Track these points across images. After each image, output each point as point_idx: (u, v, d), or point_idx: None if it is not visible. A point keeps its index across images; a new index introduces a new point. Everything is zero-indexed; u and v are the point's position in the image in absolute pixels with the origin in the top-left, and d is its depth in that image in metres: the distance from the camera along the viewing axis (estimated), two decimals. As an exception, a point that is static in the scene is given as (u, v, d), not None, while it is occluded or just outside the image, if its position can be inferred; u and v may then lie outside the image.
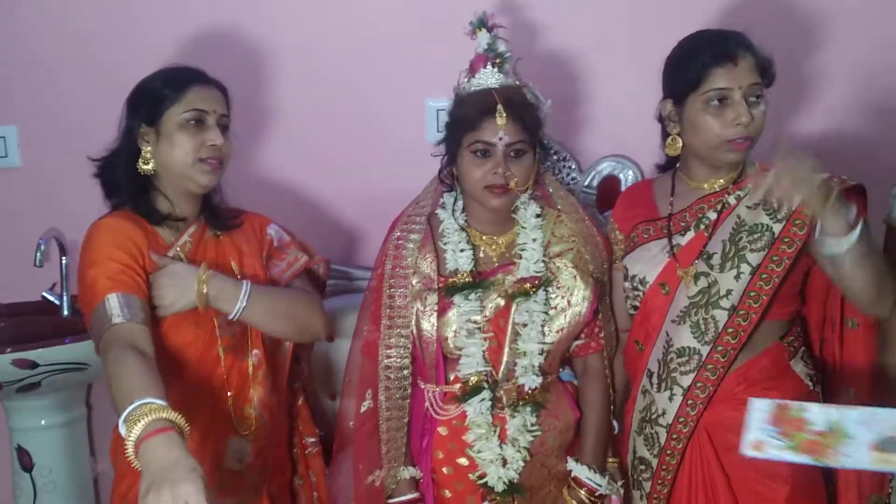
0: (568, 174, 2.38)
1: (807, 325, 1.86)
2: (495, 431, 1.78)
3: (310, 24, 2.40)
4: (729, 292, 1.71)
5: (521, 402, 1.78)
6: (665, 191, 1.88)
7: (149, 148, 1.76)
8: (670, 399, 1.76)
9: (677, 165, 1.87)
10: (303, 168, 2.45)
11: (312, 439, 2.02)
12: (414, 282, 1.82)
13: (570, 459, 1.85)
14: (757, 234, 1.71)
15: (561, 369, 1.91)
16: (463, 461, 1.82)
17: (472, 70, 1.85)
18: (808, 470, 1.67)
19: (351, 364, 1.94)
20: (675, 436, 1.76)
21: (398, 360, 1.82)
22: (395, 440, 1.84)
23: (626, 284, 1.88)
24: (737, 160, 1.74)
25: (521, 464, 1.78)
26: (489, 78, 1.82)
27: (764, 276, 1.69)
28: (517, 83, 1.84)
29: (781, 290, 1.71)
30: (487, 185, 1.76)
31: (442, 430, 1.83)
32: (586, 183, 2.37)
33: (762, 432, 1.46)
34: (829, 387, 1.82)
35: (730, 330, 1.71)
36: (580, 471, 1.83)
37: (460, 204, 1.88)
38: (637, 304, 1.85)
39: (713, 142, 1.71)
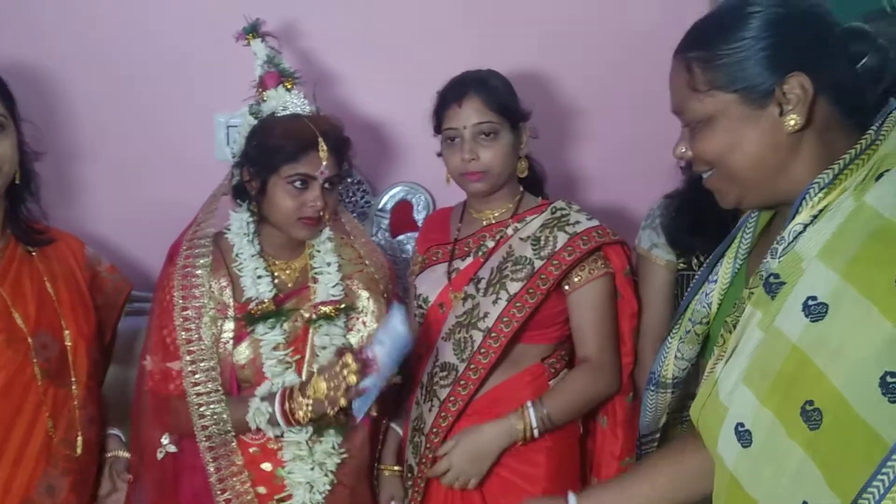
0: (362, 197, 2.40)
1: None
2: (310, 452, 1.76)
3: (93, 36, 2.27)
4: (486, 315, 1.82)
5: (329, 427, 1.77)
6: (457, 218, 2.00)
7: None
8: (430, 410, 1.86)
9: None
10: (88, 183, 2.32)
11: None
12: (209, 307, 1.76)
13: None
14: (520, 265, 1.83)
15: None
16: (261, 489, 1.77)
17: (264, 87, 1.83)
18: (564, 447, 1.85)
19: (136, 399, 1.84)
20: (428, 446, 1.85)
21: (213, 392, 1.71)
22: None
23: (415, 302, 1.97)
24: (474, 191, 1.88)
25: (328, 487, 1.77)
26: (289, 101, 1.81)
27: (518, 304, 1.80)
28: (320, 111, 1.85)
29: (537, 318, 1.83)
30: (301, 217, 1.75)
31: (237, 460, 1.76)
32: (380, 206, 2.41)
33: None
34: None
35: (482, 350, 1.81)
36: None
37: (253, 228, 1.83)
38: (421, 321, 1.95)
39: (452, 174, 1.89)
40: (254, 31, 1.86)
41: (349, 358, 1.66)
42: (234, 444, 1.73)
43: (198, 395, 1.71)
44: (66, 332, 1.75)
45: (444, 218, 2.05)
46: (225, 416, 1.71)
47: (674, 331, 1.40)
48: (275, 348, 1.76)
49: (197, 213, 1.88)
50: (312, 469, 1.76)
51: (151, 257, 2.25)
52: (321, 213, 1.76)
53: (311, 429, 1.74)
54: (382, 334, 1.69)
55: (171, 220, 1.92)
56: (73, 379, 1.74)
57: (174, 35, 2.30)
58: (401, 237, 2.42)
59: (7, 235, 1.75)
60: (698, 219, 1.79)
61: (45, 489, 1.67)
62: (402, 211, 2.42)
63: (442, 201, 2.33)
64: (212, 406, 1.71)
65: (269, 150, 1.75)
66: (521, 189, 1.95)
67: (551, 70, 2.37)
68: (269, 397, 1.72)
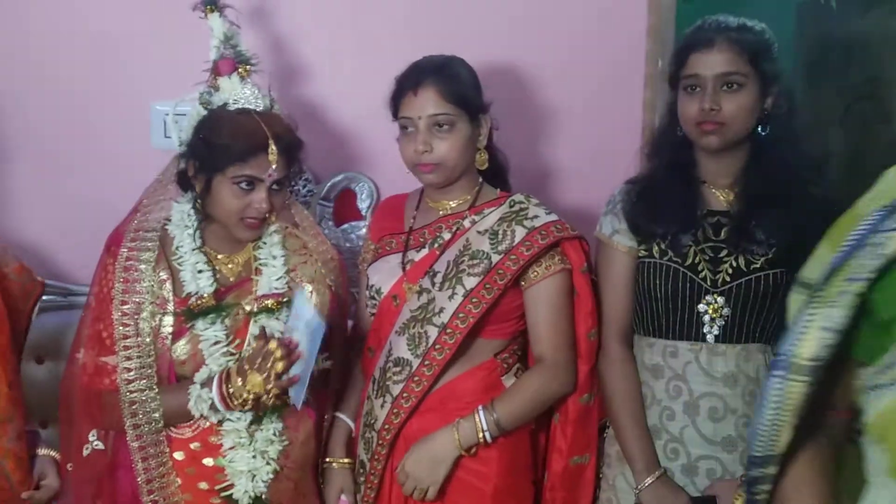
0: (304, 186, 2.37)
1: None
2: (251, 439, 1.72)
3: (22, 21, 2.20)
4: (442, 310, 1.79)
5: (269, 413, 1.73)
6: (413, 207, 1.96)
7: None
8: (382, 406, 1.83)
9: None
10: (18, 171, 2.25)
11: None
12: (148, 302, 1.71)
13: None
14: (477, 259, 1.80)
15: None
16: (203, 485, 1.73)
17: (217, 73, 1.76)
18: (515, 442, 1.83)
19: (64, 395, 1.78)
20: (380, 442, 1.83)
21: (146, 390, 1.68)
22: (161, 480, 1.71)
23: (366, 293, 1.93)
24: (427, 182, 1.86)
25: (270, 476, 1.74)
26: (241, 93, 1.74)
27: (474, 300, 1.77)
28: (272, 104, 1.79)
29: (494, 314, 1.80)
30: (244, 217, 1.71)
31: (178, 455, 1.72)
32: (323, 195, 2.38)
33: None
34: None
35: (437, 346, 1.78)
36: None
37: (195, 221, 1.78)
38: (374, 312, 1.91)
39: (406, 163, 1.85)
40: (213, 3, 1.78)
41: (273, 345, 1.64)
42: (164, 445, 1.70)
43: (131, 391, 1.67)
44: None
45: (398, 205, 2.00)
46: (157, 414, 1.68)
47: (820, 295, 1.11)
48: (215, 344, 1.72)
49: (137, 202, 1.82)
50: (254, 457, 1.72)
51: (86, 251, 2.19)
52: (266, 215, 1.72)
53: (250, 416, 1.71)
54: (294, 320, 1.67)
55: (105, 212, 1.86)
56: None
57: (105, 17, 2.23)
58: (344, 226, 2.39)
59: None
60: (661, 205, 1.80)
61: None
62: (346, 200, 2.39)
63: (386, 190, 2.32)
64: (145, 403, 1.67)
65: (216, 147, 1.68)
66: (481, 180, 1.90)
67: (519, 61, 2.35)
68: (208, 382, 1.68)
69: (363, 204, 2.39)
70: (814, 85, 3.07)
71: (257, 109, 1.73)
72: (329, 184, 2.38)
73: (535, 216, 1.82)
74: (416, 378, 1.80)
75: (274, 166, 1.68)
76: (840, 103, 2.89)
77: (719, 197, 1.83)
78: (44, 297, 2.08)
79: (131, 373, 1.67)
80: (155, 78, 2.23)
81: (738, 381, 1.77)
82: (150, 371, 1.68)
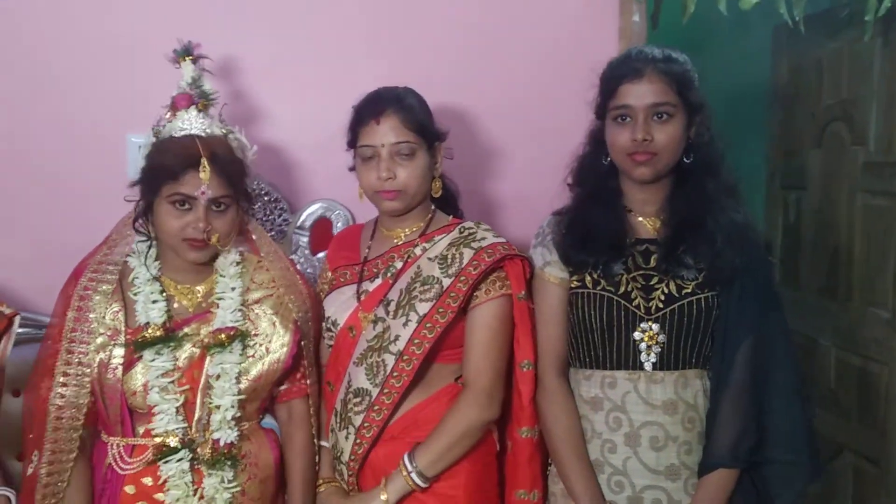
0: (280, 215, 2.39)
1: None
2: (195, 491, 1.73)
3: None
4: (398, 338, 1.80)
5: (218, 459, 1.74)
6: (368, 237, 1.98)
7: None
8: (346, 438, 1.84)
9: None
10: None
11: None
12: (99, 332, 1.73)
13: None
14: (428, 285, 1.81)
15: (261, 417, 1.91)
16: None
17: (174, 108, 1.81)
18: (480, 466, 1.85)
19: (25, 421, 1.80)
20: (350, 473, 1.84)
21: (69, 420, 1.71)
22: None
23: (324, 325, 1.95)
24: (388, 209, 1.88)
25: None
26: (193, 122, 1.78)
27: (428, 325, 1.79)
28: (223, 130, 1.82)
29: (449, 338, 1.81)
30: (186, 238, 1.73)
31: (130, 489, 1.74)
32: (298, 224, 2.39)
33: None
34: (506, 421, 1.92)
35: (395, 374, 1.79)
36: None
37: (154, 252, 1.81)
38: (331, 344, 1.92)
39: (367, 190, 1.89)
40: (186, 52, 1.84)
41: None
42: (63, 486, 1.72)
43: (57, 418, 1.69)
44: None
45: (355, 235, 2.03)
46: (72, 455, 1.70)
47: None
48: (163, 375, 1.72)
49: (107, 236, 1.85)
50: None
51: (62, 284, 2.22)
52: (206, 236, 1.72)
53: (188, 463, 1.73)
54: None
55: (84, 244, 1.89)
56: None
57: (81, 49, 2.28)
58: (321, 254, 2.40)
59: None
60: (590, 234, 1.81)
61: None
62: (322, 228, 2.41)
63: (361, 217, 2.33)
64: (65, 432, 1.70)
65: (153, 169, 1.73)
66: (433, 208, 1.95)
67: (463, 92, 2.39)
68: None
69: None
70: (788, 107, 3.11)
71: (201, 135, 1.76)
72: (305, 213, 2.40)
73: (483, 238, 1.85)
74: (375, 407, 1.81)
75: (206, 183, 1.69)
76: (815, 125, 2.92)
77: (646, 225, 1.85)
78: (20, 331, 2.11)
79: (63, 399, 1.69)
80: (132, 110, 2.26)
81: (678, 408, 1.78)
82: (80, 402, 1.71)
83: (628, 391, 1.79)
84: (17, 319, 1.90)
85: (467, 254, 1.81)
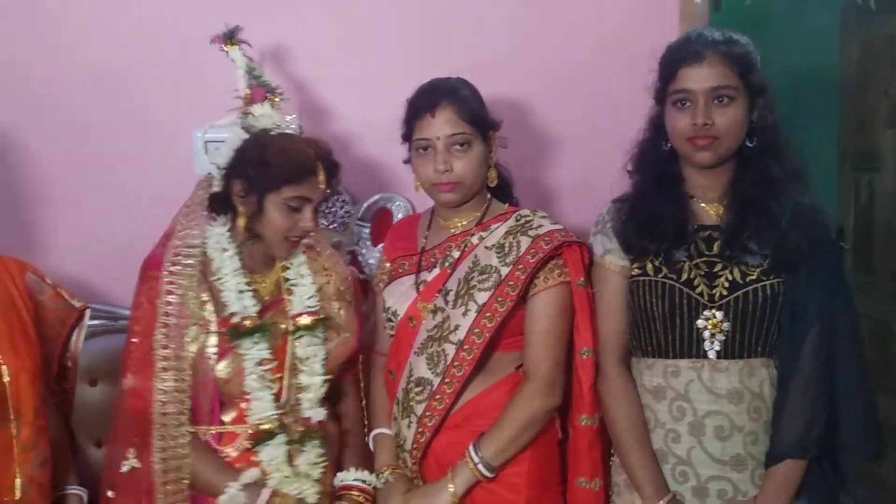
0: (342, 207, 2.42)
1: None
2: (294, 471, 1.79)
3: (61, 52, 2.33)
4: (457, 327, 1.81)
5: (310, 437, 1.81)
6: (425, 227, 2.00)
7: None
8: (408, 427, 1.86)
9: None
10: (64, 202, 2.36)
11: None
12: (192, 323, 1.77)
13: (337, 475, 1.90)
14: (486, 274, 1.82)
15: None
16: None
17: (251, 101, 1.86)
18: (543, 454, 1.85)
19: (115, 415, 1.84)
20: (413, 461, 1.86)
21: (177, 414, 1.74)
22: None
23: (384, 315, 1.97)
24: (445, 201, 1.88)
25: (317, 497, 1.80)
26: (281, 120, 1.85)
27: (488, 314, 1.79)
28: (302, 129, 1.89)
29: (508, 327, 1.81)
30: (289, 237, 1.80)
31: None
32: (360, 215, 2.43)
33: None
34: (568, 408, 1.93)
35: (455, 363, 1.80)
36: (347, 476, 1.89)
37: (234, 243, 1.85)
38: (392, 334, 1.95)
39: (423, 183, 1.89)
40: (231, 37, 1.88)
41: None
42: (185, 471, 1.73)
43: (162, 414, 1.73)
44: (3, 366, 1.67)
45: (411, 225, 2.05)
46: (184, 440, 1.73)
47: None
48: (259, 363, 1.78)
49: (170, 228, 1.88)
50: (298, 481, 1.78)
51: (134, 276, 2.28)
52: (304, 234, 1.81)
53: (285, 445, 1.79)
54: None
55: (153, 238, 1.93)
56: (12, 418, 1.66)
57: (151, 55, 2.35)
58: (381, 245, 2.43)
59: None
60: (651, 221, 1.79)
61: None
62: (383, 219, 2.44)
63: (421, 207, 2.34)
64: (173, 428, 1.72)
65: (270, 168, 1.75)
66: (489, 197, 1.94)
67: (520, 79, 2.39)
68: (249, 488, 1.74)
69: (399, 223, 2.43)
70: (859, 87, 3.02)
71: (295, 133, 1.83)
72: (366, 204, 2.43)
73: (540, 225, 1.84)
74: (437, 396, 1.82)
75: (322, 187, 1.78)
76: (888, 104, 2.83)
77: (709, 211, 1.82)
78: (94, 322, 2.20)
79: (164, 395, 1.73)
80: (196, 105, 2.33)
81: (743, 397, 1.75)
82: (183, 396, 1.73)
83: (692, 380, 1.76)
84: (88, 312, 1.96)
85: (524, 242, 1.82)
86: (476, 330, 1.79)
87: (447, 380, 1.81)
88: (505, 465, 1.80)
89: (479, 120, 1.86)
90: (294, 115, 1.89)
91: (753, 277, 1.74)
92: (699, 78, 1.72)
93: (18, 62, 2.33)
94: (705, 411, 1.75)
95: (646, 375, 1.83)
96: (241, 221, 1.80)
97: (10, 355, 1.69)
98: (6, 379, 1.67)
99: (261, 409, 1.78)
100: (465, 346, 1.79)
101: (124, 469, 1.76)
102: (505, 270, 1.80)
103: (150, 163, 2.38)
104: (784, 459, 1.72)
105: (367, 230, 2.43)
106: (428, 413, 1.83)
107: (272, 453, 1.77)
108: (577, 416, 1.83)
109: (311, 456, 1.81)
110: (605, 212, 1.91)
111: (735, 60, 1.73)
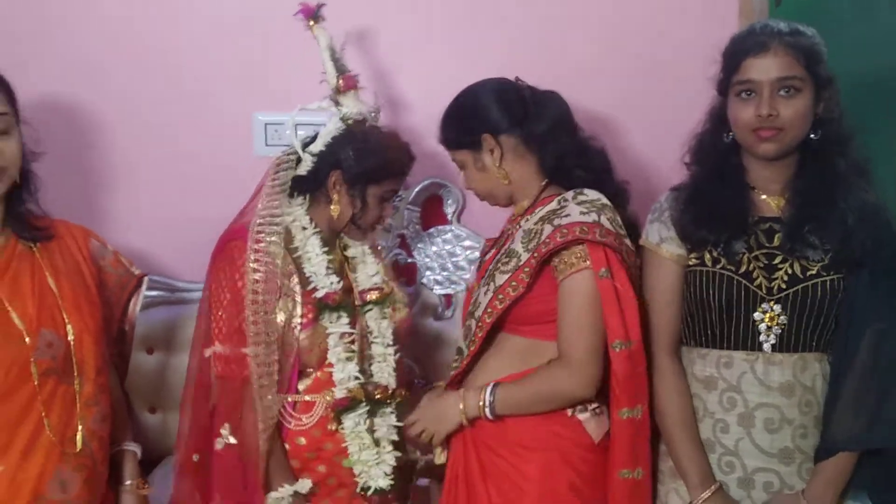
0: (394, 192, 2.47)
1: None
2: (374, 439, 1.88)
3: (124, 37, 2.40)
4: (479, 305, 1.83)
5: (389, 402, 1.92)
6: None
7: None
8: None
9: None
10: (130, 181, 2.44)
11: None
12: (280, 295, 1.83)
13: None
14: (509, 257, 1.81)
15: None
16: (322, 468, 1.87)
17: (341, 89, 1.92)
18: (553, 458, 1.79)
19: (189, 383, 1.92)
20: None
21: (269, 386, 1.80)
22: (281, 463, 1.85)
23: None
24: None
25: (394, 462, 1.88)
26: (368, 112, 1.96)
27: (500, 296, 1.78)
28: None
29: (530, 312, 1.78)
30: (376, 223, 1.95)
31: (301, 441, 1.87)
32: (410, 200, 2.47)
33: None
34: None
35: (472, 338, 1.83)
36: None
37: (312, 223, 1.92)
38: None
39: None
40: (316, 16, 1.92)
41: None
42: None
43: (260, 387, 1.79)
44: (69, 326, 1.73)
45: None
46: (275, 408, 1.82)
47: None
48: (342, 336, 1.87)
49: (250, 203, 1.93)
50: (375, 449, 1.88)
51: (191, 252, 2.31)
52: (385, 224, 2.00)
53: (366, 416, 1.89)
54: None
55: (211, 217, 1.98)
56: (75, 374, 1.73)
57: (211, 38, 2.41)
58: (430, 230, 2.49)
59: (7, 233, 1.74)
60: (712, 211, 1.77)
61: (58, 485, 1.69)
62: (432, 204, 2.48)
63: (470, 195, 2.37)
64: (265, 389, 1.80)
65: (376, 162, 1.88)
66: (545, 182, 1.87)
67: (581, 69, 2.40)
68: (298, 498, 1.83)
69: (449, 209, 2.47)
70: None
71: (378, 124, 1.96)
72: (417, 189, 2.46)
73: (567, 215, 1.76)
74: (454, 365, 1.92)
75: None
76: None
77: (770, 203, 1.79)
78: (152, 293, 2.29)
79: (259, 367, 1.78)
80: (254, 90, 2.40)
81: (795, 390, 1.74)
82: (272, 368, 1.81)
83: (745, 371, 1.76)
84: (146, 280, 2.02)
85: (546, 230, 1.77)
86: (489, 310, 1.79)
87: (465, 353, 1.86)
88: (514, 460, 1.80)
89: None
90: (376, 106, 1.98)
91: (813, 272, 1.73)
92: (764, 68, 1.70)
93: (96, 50, 2.40)
94: (756, 403, 1.75)
95: (697, 365, 1.82)
96: (335, 209, 1.89)
97: (75, 316, 1.75)
98: (71, 338, 1.73)
99: (346, 377, 1.86)
100: (479, 324, 1.81)
101: (219, 447, 1.81)
102: (524, 256, 1.78)
103: (208, 144, 2.44)
104: (836, 453, 1.72)
105: (417, 214, 2.48)
106: (457, 381, 1.89)
107: (355, 420, 1.85)
108: (617, 409, 1.77)
109: (390, 422, 1.90)
110: (662, 199, 1.88)
111: (801, 51, 1.70)
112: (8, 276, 1.70)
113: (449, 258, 2.47)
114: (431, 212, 2.49)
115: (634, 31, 2.43)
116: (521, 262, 1.78)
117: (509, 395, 1.77)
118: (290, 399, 1.86)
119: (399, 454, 1.90)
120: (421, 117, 2.40)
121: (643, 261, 1.87)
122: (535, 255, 1.76)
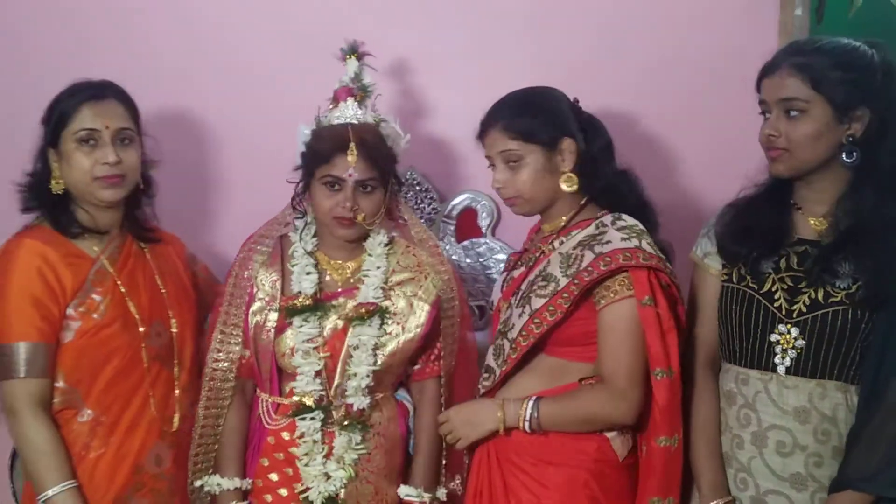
0: (429, 204, 2.52)
1: None
2: (323, 448, 1.89)
3: (195, 53, 2.48)
4: (513, 326, 1.83)
5: (349, 422, 1.90)
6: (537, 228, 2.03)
7: (57, 167, 1.83)
8: None
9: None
10: (192, 193, 2.51)
11: None
12: (258, 297, 1.93)
13: (402, 486, 1.99)
14: (547, 281, 1.80)
15: (395, 390, 2.05)
16: (289, 471, 1.93)
17: (336, 100, 1.97)
18: (578, 476, 1.78)
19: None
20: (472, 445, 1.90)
21: (222, 371, 1.94)
22: (206, 446, 1.96)
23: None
24: (515, 212, 1.89)
25: (345, 480, 1.90)
26: (347, 111, 1.94)
27: (537, 320, 1.78)
28: (376, 119, 1.96)
29: (566, 335, 1.79)
30: (336, 217, 1.89)
31: (271, 440, 1.94)
32: (446, 213, 2.51)
33: None
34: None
35: (504, 359, 1.84)
36: (406, 491, 1.98)
37: (312, 229, 1.99)
38: None
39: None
40: (353, 51, 2.00)
41: None
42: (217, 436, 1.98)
43: (213, 370, 1.94)
44: (173, 320, 1.94)
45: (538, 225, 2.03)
46: (221, 402, 1.95)
47: None
48: (308, 340, 1.90)
49: (279, 215, 2.06)
50: (327, 463, 1.90)
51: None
52: (353, 214, 1.87)
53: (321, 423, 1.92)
54: None
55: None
56: (175, 363, 1.94)
57: (265, 52, 2.49)
58: (465, 242, 2.52)
59: (125, 234, 1.94)
60: (749, 227, 1.77)
61: (154, 458, 1.89)
62: (467, 217, 2.52)
63: (506, 209, 2.40)
64: (217, 383, 1.94)
65: (309, 153, 1.92)
66: (582, 202, 1.87)
67: (618, 89, 2.40)
68: (228, 494, 1.93)
69: (483, 222, 2.51)
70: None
71: (353, 122, 1.91)
72: (452, 202, 2.51)
73: (608, 241, 1.76)
74: (485, 384, 1.90)
75: (353, 166, 1.84)
76: None
77: (813, 225, 1.77)
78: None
79: (219, 353, 1.94)
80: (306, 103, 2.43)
81: (811, 417, 1.72)
82: (233, 355, 1.94)
83: (759, 391, 1.76)
84: None
85: (588, 257, 1.76)
86: (523, 332, 1.79)
87: (497, 372, 1.85)
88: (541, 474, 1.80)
89: (531, 135, 1.81)
90: (364, 109, 1.96)
91: (837, 299, 1.70)
92: (771, 89, 1.73)
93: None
94: (769, 424, 1.75)
95: (722, 379, 1.84)
96: (312, 209, 1.97)
97: (178, 310, 1.97)
98: (174, 330, 1.95)
99: (302, 383, 1.90)
100: (513, 346, 1.81)
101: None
102: (563, 281, 1.77)
103: (273, 155, 2.44)
104: (847, 489, 1.68)
105: (453, 227, 2.52)
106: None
107: (307, 426, 1.89)
108: (655, 436, 1.76)
109: (346, 440, 1.90)
110: (717, 214, 1.89)
111: (809, 73, 1.67)
112: (126, 271, 1.90)
113: (483, 271, 2.51)
114: (466, 224, 2.52)
115: (672, 49, 2.42)
116: (560, 287, 1.77)
117: (553, 412, 1.77)
118: (271, 400, 1.95)
119: (350, 476, 1.90)
120: (465, 131, 2.44)
121: (692, 273, 1.90)
122: (576, 281, 1.75)
